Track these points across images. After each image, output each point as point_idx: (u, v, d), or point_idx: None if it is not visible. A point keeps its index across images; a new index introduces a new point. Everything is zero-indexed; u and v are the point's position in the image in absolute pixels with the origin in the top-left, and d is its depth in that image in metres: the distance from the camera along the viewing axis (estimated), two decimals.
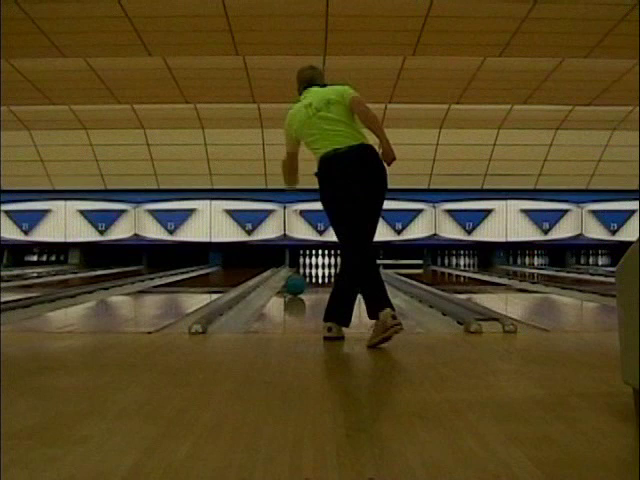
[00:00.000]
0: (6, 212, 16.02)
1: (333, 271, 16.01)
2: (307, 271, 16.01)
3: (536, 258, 17.47)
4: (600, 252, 17.47)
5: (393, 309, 3.67)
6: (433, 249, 16.78)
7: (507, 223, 16.12)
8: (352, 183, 3.87)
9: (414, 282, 9.46)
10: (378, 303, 3.69)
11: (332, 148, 3.92)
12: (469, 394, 2.45)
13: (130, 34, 9.50)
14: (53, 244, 16.54)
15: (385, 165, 3.92)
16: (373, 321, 3.70)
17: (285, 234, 16.06)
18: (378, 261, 16.63)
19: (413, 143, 14.52)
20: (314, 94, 4.17)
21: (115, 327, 5.54)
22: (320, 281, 13.27)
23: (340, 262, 4.03)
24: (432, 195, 15.82)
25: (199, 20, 9.18)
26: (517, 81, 12.06)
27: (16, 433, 1.91)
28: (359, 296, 3.96)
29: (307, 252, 16.91)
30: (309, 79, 4.30)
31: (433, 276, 13.37)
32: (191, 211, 16.08)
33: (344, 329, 3.97)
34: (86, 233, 16.16)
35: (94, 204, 16.07)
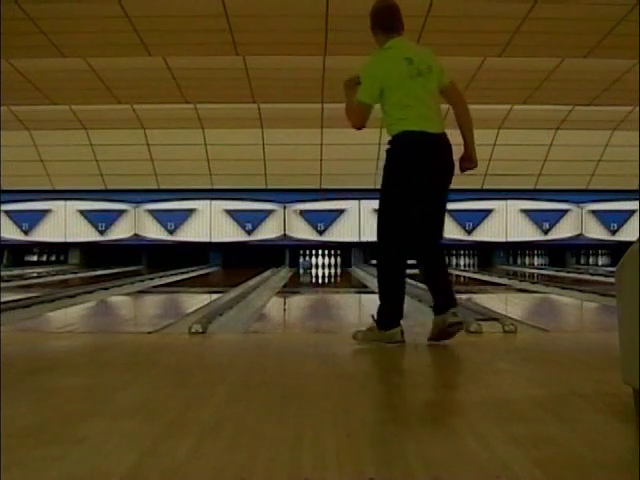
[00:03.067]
0: (6, 212, 16.02)
1: (333, 271, 16.01)
2: (301, 272, 16.03)
3: (536, 258, 17.47)
4: (600, 252, 17.48)
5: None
6: None
7: (507, 223, 16.13)
8: (432, 177, 3.48)
9: (414, 282, 9.45)
10: (396, 315, 3.61)
11: (420, 128, 3.46)
12: (469, 394, 2.45)
13: (130, 34, 9.50)
14: (53, 244, 16.55)
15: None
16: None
17: (285, 234, 16.06)
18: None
19: None
20: (412, 49, 3.61)
21: (115, 327, 5.54)
22: (320, 281, 13.27)
23: (384, 258, 3.67)
24: None
25: (199, 20, 9.17)
26: (517, 81, 12.06)
27: (16, 433, 1.91)
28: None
29: (307, 252, 16.92)
30: (395, 18, 3.59)
31: None
32: (191, 211, 16.08)
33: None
34: (86, 233, 16.16)
35: (94, 204, 16.08)
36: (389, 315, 3.58)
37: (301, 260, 16.77)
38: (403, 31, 3.62)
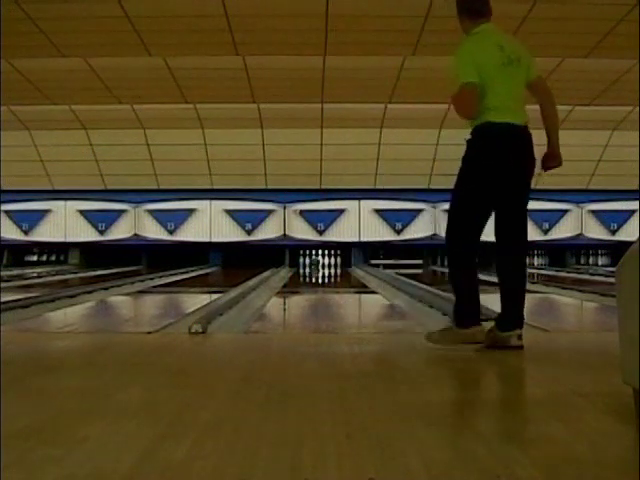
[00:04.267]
0: (6, 212, 16.02)
1: (333, 271, 16.01)
2: (307, 271, 16.03)
3: (536, 258, 17.48)
4: (600, 252, 17.49)
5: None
6: (433, 249, 16.78)
7: None
8: (516, 172, 3.33)
9: (414, 282, 9.46)
10: (474, 312, 3.45)
11: (506, 120, 3.30)
12: (469, 394, 2.45)
13: (130, 34, 9.50)
14: (53, 244, 16.56)
15: None
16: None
17: (285, 234, 16.06)
18: (378, 261, 16.50)
19: (413, 143, 14.50)
20: (503, 37, 3.42)
21: (115, 327, 5.55)
22: (320, 281, 13.27)
23: (457, 255, 3.49)
24: (432, 195, 15.80)
25: (199, 20, 9.18)
26: None
27: (16, 433, 1.91)
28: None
29: (307, 252, 16.93)
30: (484, 2, 3.36)
31: (433, 276, 13.37)
32: (191, 211, 16.08)
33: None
34: (86, 233, 16.17)
35: (94, 204, 16.08)
36: (467, 312, 3.42)
37: (301, 260, 16.82)
38: (491, 17, 3.42)
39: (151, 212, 16.11)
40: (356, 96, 12.44)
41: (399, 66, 11.27)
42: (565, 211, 16.29)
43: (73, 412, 2.17)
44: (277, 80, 11.82)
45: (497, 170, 3.31)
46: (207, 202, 16.07)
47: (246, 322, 5.26)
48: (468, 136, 3.41)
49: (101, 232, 16.15)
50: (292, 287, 10.33)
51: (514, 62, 3.31)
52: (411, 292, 7.51)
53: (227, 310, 5.75)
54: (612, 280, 2.09)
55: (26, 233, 16.15)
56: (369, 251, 16.32)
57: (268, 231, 16.07)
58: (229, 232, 16.10)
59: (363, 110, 13.37)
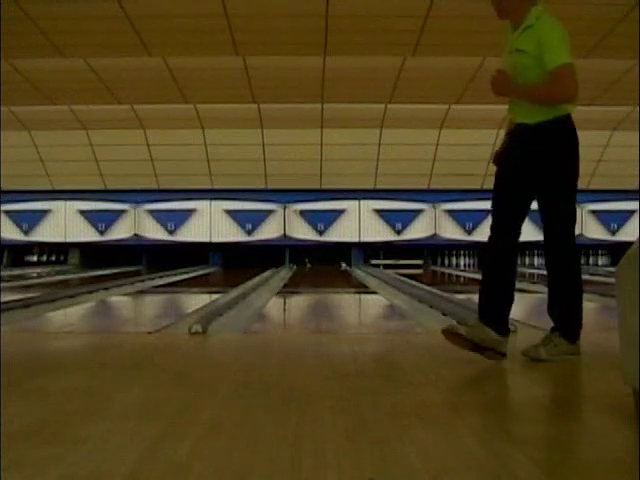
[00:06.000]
0: (6, 212, 16.01)
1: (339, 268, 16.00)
2: (303, 268, 16.02)
3: (536, 258, 17.46)
4: (600, 252, 17.47)
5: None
6: (433, 249, 16.78)
7: None
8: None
9: (414, 282, 9.46)
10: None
11: (567, 112, 3.22)
12: (469, 394, 2.45)
13: (130, 34, 9.50)
14: (53, 244, 16.54)
15: None
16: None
17: (285, 234, 16.05)
18: (378, 261, 16.44)
19: (413, 143, 14.50)
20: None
21: (115, 327, 5.55)
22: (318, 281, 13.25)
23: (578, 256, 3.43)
24: (432, 195, 15.80)
25: (199, 20, 9.18)
26: None
27: (16, 433, 1.91)
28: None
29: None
30: None
31: (433, 276, 13.37)
32: (191, 211, 16.07)
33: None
34: (86, 233, 16.16)
35: (94, 204, 16.07)
36: (579, 326, 3.41)
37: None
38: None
39: (151, 212, 16.10)
40: (356, 96, 12.44)
41: (399, 66, 11.27)
42: None
43: (73, 412, 2.17)
44: (277, 80, 11.82)
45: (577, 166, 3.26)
46: (207, 202, 16.06)
47: (246, 322, 5.26)
48: (547, 126, 3.23)
49: (101, 232, 16.13)
50: (292, 287, 10.33)
51: None
52: (411, 292, 7.51)
53: (227, 310, 5.75)
54: (612, 280, 2.09)
55: (26, 233, 16.13)
56: (369, 251, 16.33)
57: (268, 231, 16.06)
58: (229, 232, 16.09)
59: (363, 110, 13.37)
